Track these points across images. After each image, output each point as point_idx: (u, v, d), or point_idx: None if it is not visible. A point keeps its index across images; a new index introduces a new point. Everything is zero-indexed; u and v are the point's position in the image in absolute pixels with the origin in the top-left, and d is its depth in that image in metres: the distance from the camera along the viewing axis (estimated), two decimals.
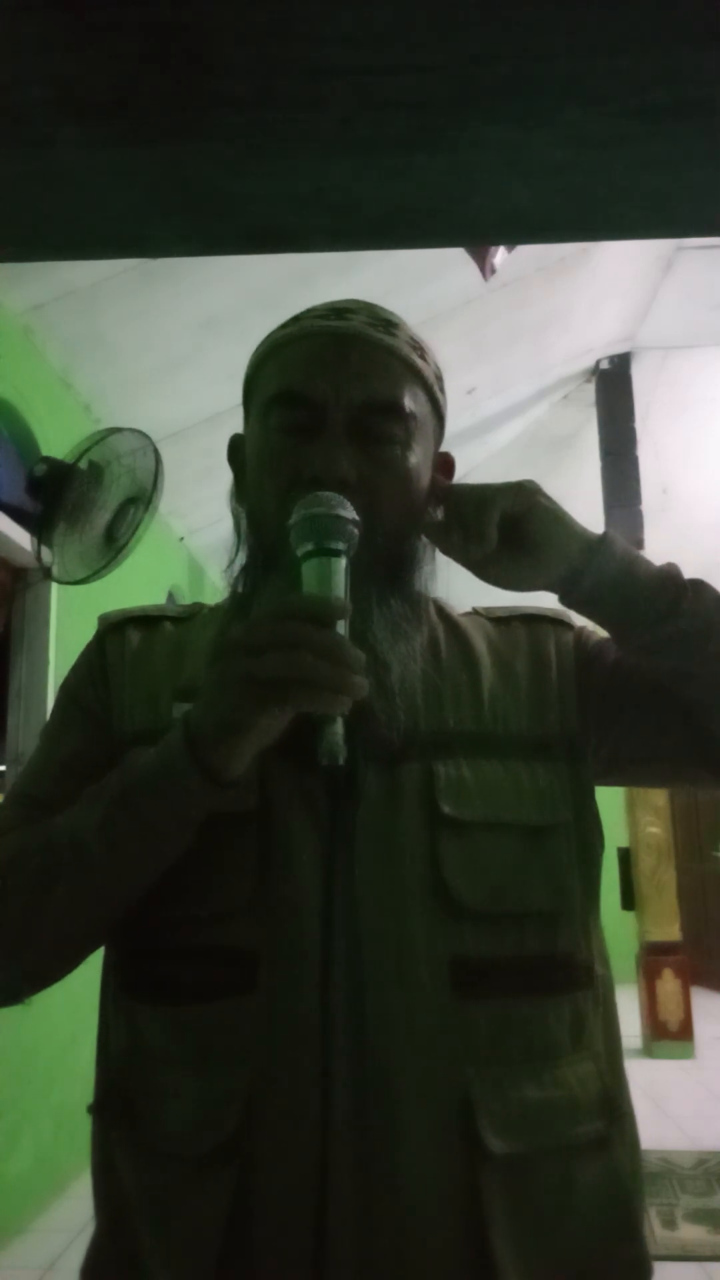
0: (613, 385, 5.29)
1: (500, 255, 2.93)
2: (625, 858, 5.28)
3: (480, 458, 5.47)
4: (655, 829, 5.34)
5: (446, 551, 0.79)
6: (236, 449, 0.86)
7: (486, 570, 0.78)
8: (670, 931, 5.18)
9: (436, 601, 0.86)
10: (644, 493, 5.20)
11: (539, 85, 0.75)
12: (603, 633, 0.82)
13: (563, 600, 0.79)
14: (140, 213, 0.91)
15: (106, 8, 0.68)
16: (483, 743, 0.77)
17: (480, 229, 1.04)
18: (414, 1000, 0.68)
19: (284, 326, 0.81)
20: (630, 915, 5.24)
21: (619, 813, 5.36)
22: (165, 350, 3.30)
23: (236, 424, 0.87)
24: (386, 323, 0.79)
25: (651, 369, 5.21)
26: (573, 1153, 0.70)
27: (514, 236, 1.21)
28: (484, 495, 0.76)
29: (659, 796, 5.31)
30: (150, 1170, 0.70)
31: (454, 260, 3.26)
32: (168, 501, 3.04)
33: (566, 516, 0.77)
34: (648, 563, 0.78)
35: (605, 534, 0.78)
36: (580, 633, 0.86)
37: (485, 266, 2.89)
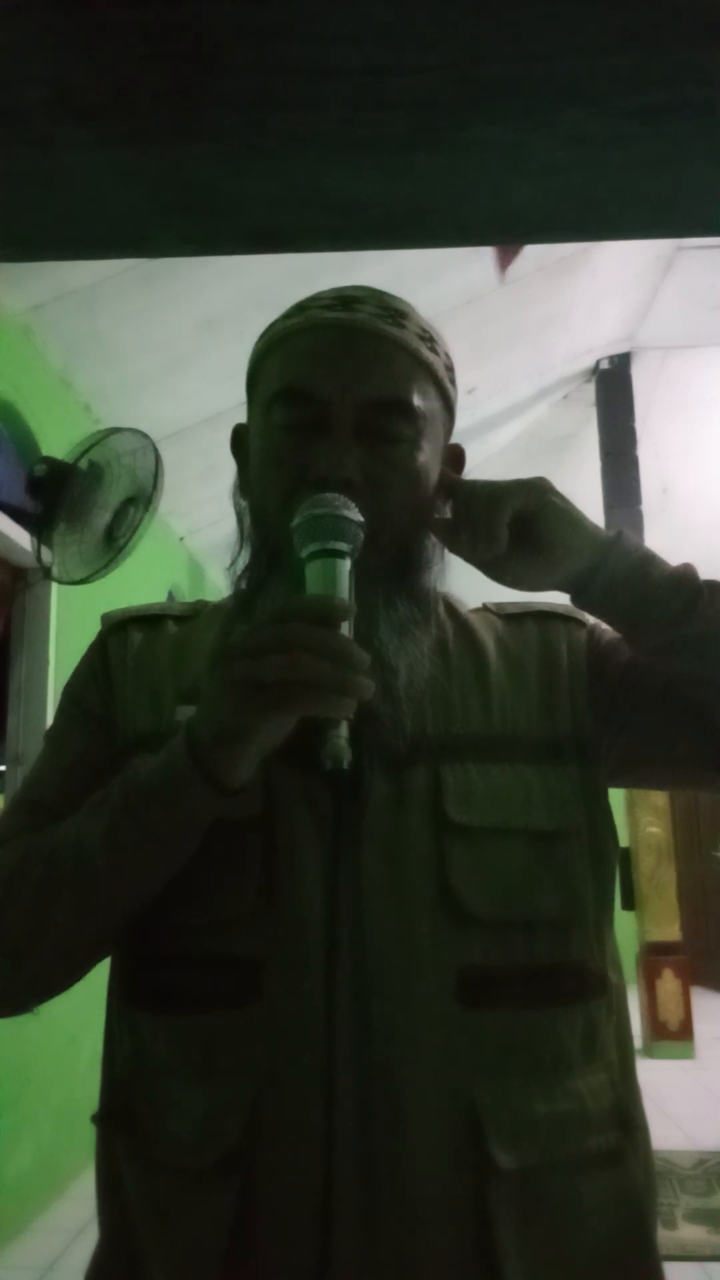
0: (613, 385, 5.29)
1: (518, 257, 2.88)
2: (625, 858, 5.29)
3: (480, 458, 5.47)
4: (655, 829, 5.35)
5: (455, 551, 0.77)
6: (240, 439, 0.83)
7: (496, 570, 0.76)
8: (670, 931, 5.18)
9: (445, 598, 0.84)
10: (644, 493, 5.20)
11: (539, 85, 0.75)
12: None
13: (575, 601, 0.77)
14: (140, 213, 0.91)
15: (106, 8, 0.68)
16: (491, 746, 0.75)
17: (481, 229, 1.04)
18: (420, 1010, 0.67)
19: (289, 315, 0.79)
20: (630, 915, 5.24)
21: (619, 813, 5.35)
22: (165, 350, 3.30)
23: (237, 422, 0.86)
24: (396, 313, 0.76)
25: (651, 369, 5.21)
26: (584, 1166, 0.68)
27: (514, 236, 1.21)
28: (494, 494, 0.73)
29: (659, 796, 5.31)
30: (153, 1181, 0.69)
31: (454, 260, 3.26)
32: (168, 501, 3.04)
33: (579, 515, 0.75)
34: (663, 563, 0.75)
35: (619, 533, 0.75)
36: (593, 630, 0.84)
37: (506, 266, 2.85)
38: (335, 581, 0.65)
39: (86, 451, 2.75)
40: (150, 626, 0.84)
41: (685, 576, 0.74)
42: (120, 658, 0.81)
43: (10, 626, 3.04)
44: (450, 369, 0.80)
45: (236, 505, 0.82)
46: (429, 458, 0.76)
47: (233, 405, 3.48)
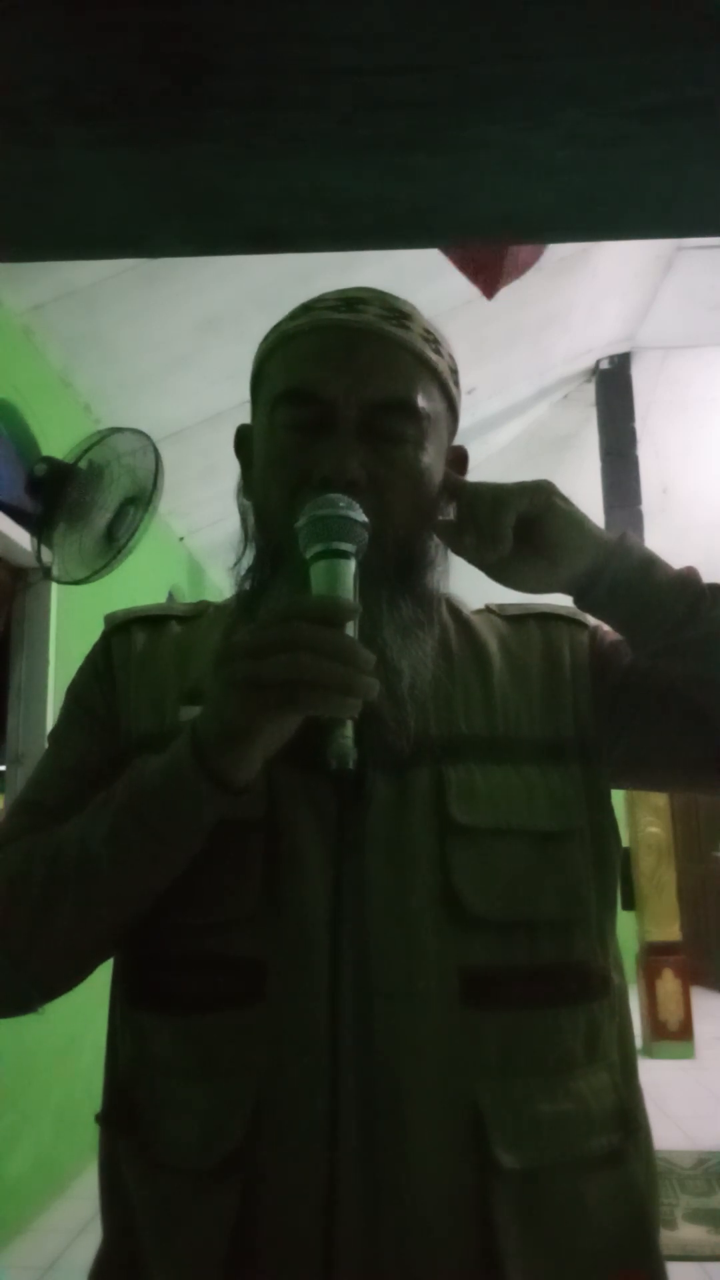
0: (613, 385, 5.29)
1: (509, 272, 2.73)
2: (625, 858, 5.28)
3: (480, 458, 5.47)
4: (655, 829, 5.35)
5: (459, 553, 0.77)
6: (244, 439, 0.84)
7: (500, 572, 0.76)
8: (670, 931, 5.18)
9: (448, 599, 0.84)
10: (644, 493, 5.19)
11: (539, 85, 0.75)
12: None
13: (578, 603, 0.77)
14: (140, 213, 0.91)
15: (106, 8, 0.68)
16: (494, 747, 0.75)
17: (481, 229, 1.04)
18: (422, 1011, 0.67)
19: (294, 316, 0.79)
20: (630, 915, 5.24)
21: (619, 813, 5.33)
22: (165, 350, 3.30)
23: (237, 423, 0.86)
24: (400, 314, 0.76)
25: (651, 369, 5.21)
26: (586, 1167, 0.68)
27: (514, 236, 1.21)
28: (498, 497, 0.73)
29: (659, 797, 5.31)
30: (157, 1181, 0.69)
31: None
32: (168, 501, 3.03)
33: (583, 518, 0.75)
34: (666, 566, 0.75)
35: (623, 536, 0.76)
36: (595, 632, 0.84)
37: (490, 284, 2.73)
38: (340, 582, 0.65)
39: (86, 451, 2.75)
40: (154, 627, 0.84)
41: (688, 580, 0.74)
42: (124, 658, 0.81)
43: (10, 626, 3.04)
44: (454, 371, 0.80)
45: (240, 505, 0.82)
46: (433, 459, 0.76)
47: (233, 405, 3.48)
